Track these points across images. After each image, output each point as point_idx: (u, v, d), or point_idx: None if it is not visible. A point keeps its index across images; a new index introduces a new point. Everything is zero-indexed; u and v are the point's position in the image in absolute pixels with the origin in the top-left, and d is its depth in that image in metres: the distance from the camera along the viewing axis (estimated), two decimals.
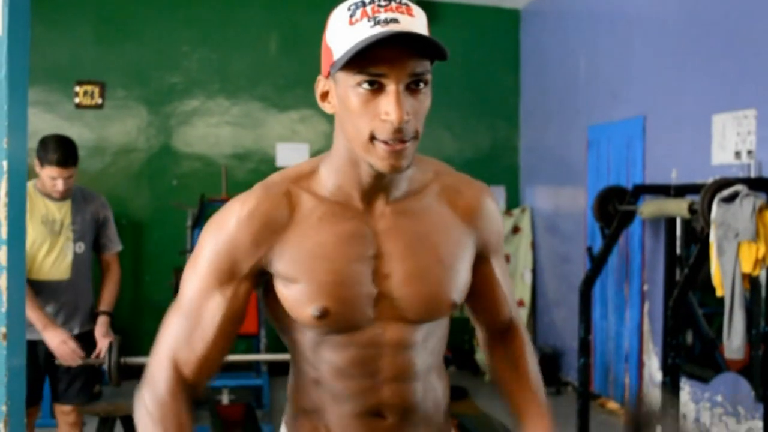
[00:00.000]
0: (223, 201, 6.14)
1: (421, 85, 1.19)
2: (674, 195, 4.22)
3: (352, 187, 1.28)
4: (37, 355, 3.21)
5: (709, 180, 3.84)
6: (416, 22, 1.17)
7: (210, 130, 6.46)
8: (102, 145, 6.26)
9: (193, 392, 1.32)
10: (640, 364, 5.09)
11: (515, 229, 6.71)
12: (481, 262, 1.41)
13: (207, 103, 6.46)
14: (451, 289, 1.34)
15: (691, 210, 3.85)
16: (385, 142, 1.18)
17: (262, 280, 1.32)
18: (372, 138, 1.19)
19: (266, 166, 6.47)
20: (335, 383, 1.33)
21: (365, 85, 1.16)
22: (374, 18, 1.14)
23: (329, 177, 1.30)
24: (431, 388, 1.41)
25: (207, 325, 1.29)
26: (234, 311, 1.30)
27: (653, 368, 4.91)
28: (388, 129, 1.17)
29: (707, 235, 3.59)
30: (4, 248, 1.44)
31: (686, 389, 4.49)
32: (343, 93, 1.20)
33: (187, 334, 1.29)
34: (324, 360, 1.32)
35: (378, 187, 1.29)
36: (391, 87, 1.16)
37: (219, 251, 1.28)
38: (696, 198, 3.80)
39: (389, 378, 1.34)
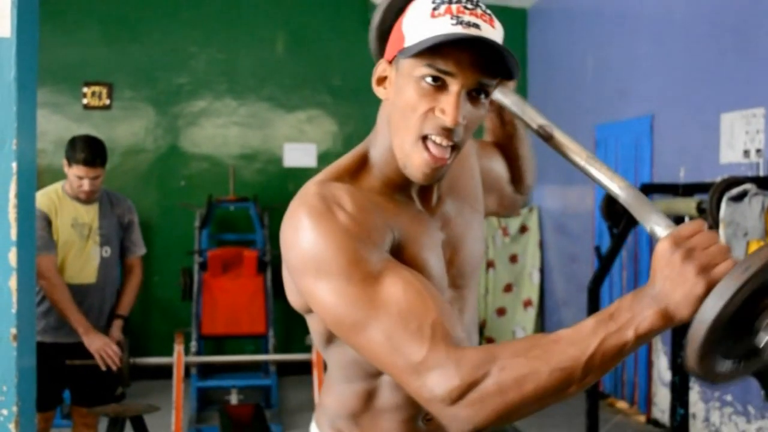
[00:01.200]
0: (231, 201, 6.16)
1: (483, 96, 1.18)
2: (683, 194, 4.20)
3: (406, 180, 1.24)
4: (59, 357, 3.21)
5: (718, 179, 3.82)
6: (496, 35, 1.17)
7: (217, 130, 6.46)
8: (110, 146, 6.15)
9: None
10: (649, 364, 5.07)
11: (523, 229, 6.69)
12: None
13: (214, 104, 6.46)
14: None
15: (700, 209, 3.83)
16: (430, 151, 1.17)
17: None
18: (420, 137, 1.17)
19: (274, 166, 6.48)
20: (399, 391, 1.25)
21: (429, 80, 1.15)
22: (458, 17, 1.13)
23: (379, 173, 1.26)
24: None
25: (410, 297, 1.10)
26: (409, 270, 1.15)
27: (662, 367, 4.89)
28: (438, 124, 1.16)
29: None
30: (14, 250, 1.44)
31: (695, 389, 4.47)
32: (403, 82, 1.18)
33: (418, 318, 1.09)
34: None
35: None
36: (454, 87, 1.14)
37: (351, 236, 1.13)
38: (705, 197, 3.78)
39: None
